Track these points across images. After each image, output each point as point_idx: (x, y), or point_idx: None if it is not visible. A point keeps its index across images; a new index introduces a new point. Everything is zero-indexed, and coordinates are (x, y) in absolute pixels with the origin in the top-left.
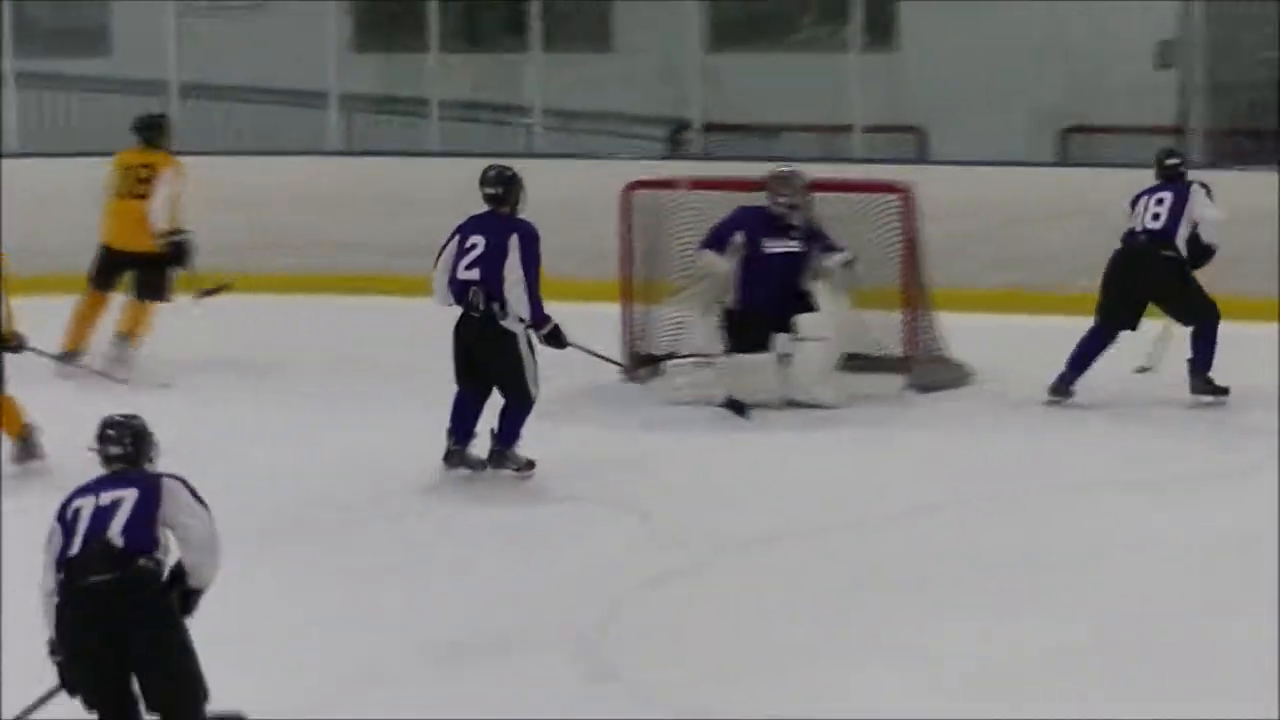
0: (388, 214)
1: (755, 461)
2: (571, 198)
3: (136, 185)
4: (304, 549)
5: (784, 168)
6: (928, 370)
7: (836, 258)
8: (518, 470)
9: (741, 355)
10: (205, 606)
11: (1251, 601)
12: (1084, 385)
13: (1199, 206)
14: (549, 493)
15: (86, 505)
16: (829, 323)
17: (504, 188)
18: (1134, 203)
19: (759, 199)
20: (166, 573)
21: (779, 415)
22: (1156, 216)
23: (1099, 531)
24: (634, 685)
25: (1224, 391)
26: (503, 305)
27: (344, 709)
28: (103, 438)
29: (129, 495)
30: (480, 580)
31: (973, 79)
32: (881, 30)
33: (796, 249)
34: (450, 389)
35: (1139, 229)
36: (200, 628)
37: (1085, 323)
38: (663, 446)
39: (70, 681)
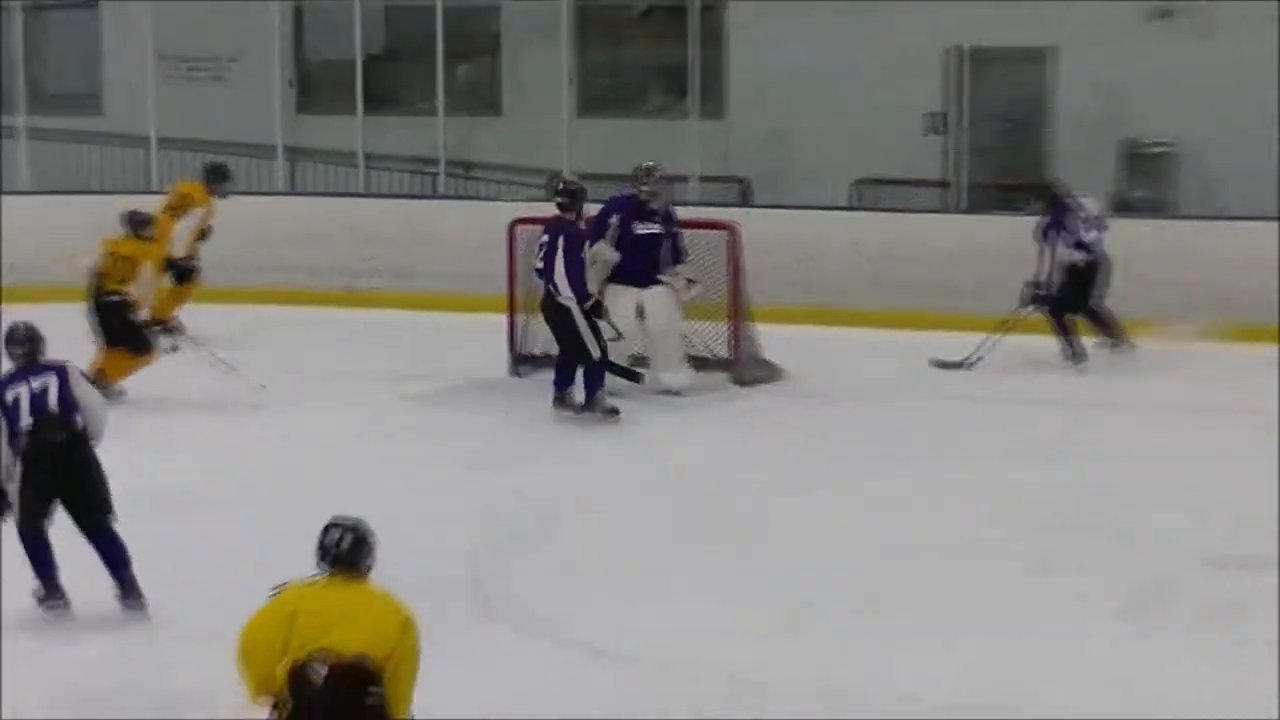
0: (326, 241)
1: (602, 433)
2: (469, 232)
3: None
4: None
5: (648, 162)
6: (748, 368)
7: (684, 276)
8: (604, 415)
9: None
10: None
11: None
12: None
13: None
14: (461, 451)
15: (23, 391)
16: (675, 319)
17: (568, 198)
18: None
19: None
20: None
21: (640, 402)
22: None
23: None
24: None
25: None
26: (558, 288)
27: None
28: (10, 340)
29: (51, 381)
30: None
31: (784, 141)
32: (713, 104)
33: (658, 230)
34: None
35: None
36: None
37: (870, 334)
38: (546, 423)
39: (27, 514)
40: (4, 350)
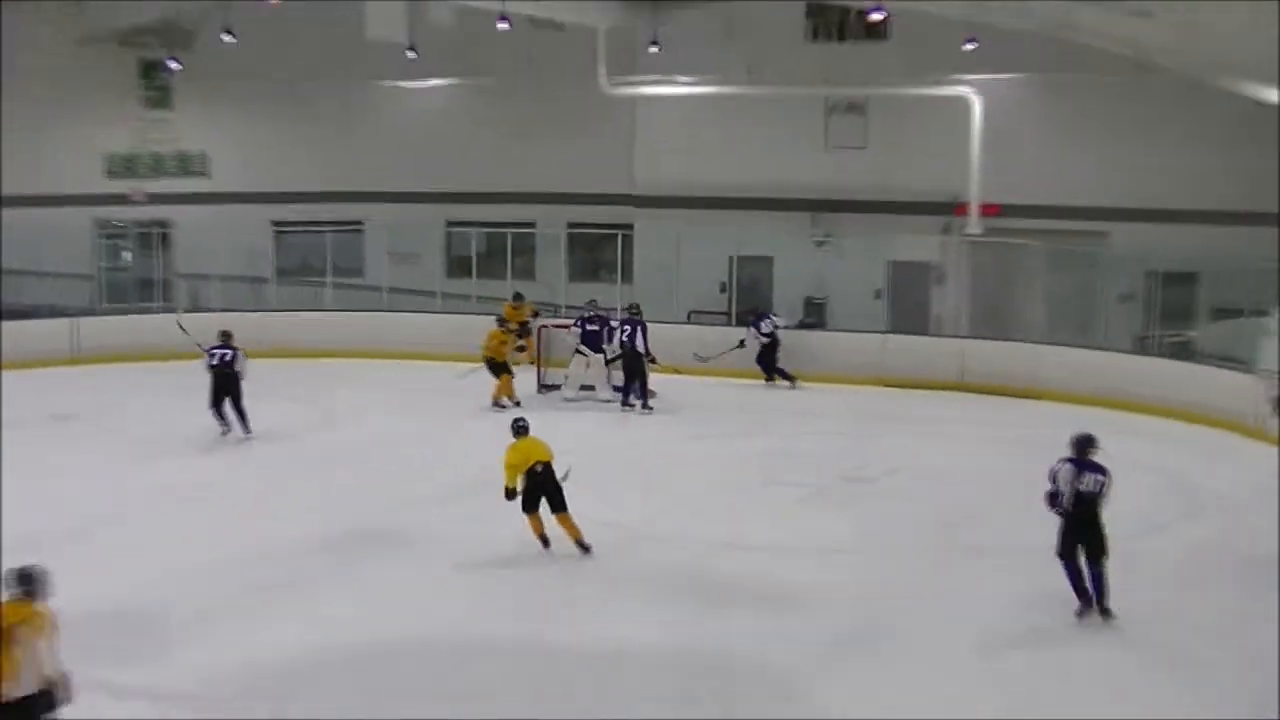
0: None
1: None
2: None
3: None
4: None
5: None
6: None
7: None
8: (650, 409)
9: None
10: None
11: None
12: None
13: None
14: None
15: None
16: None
17: (633, 313)
18: None
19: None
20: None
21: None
22: None
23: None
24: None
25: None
26: (642, 348)
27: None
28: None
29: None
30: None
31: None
32: (629, 276)
33: (597, 328)
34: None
35: None
36: None
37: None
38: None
39: None
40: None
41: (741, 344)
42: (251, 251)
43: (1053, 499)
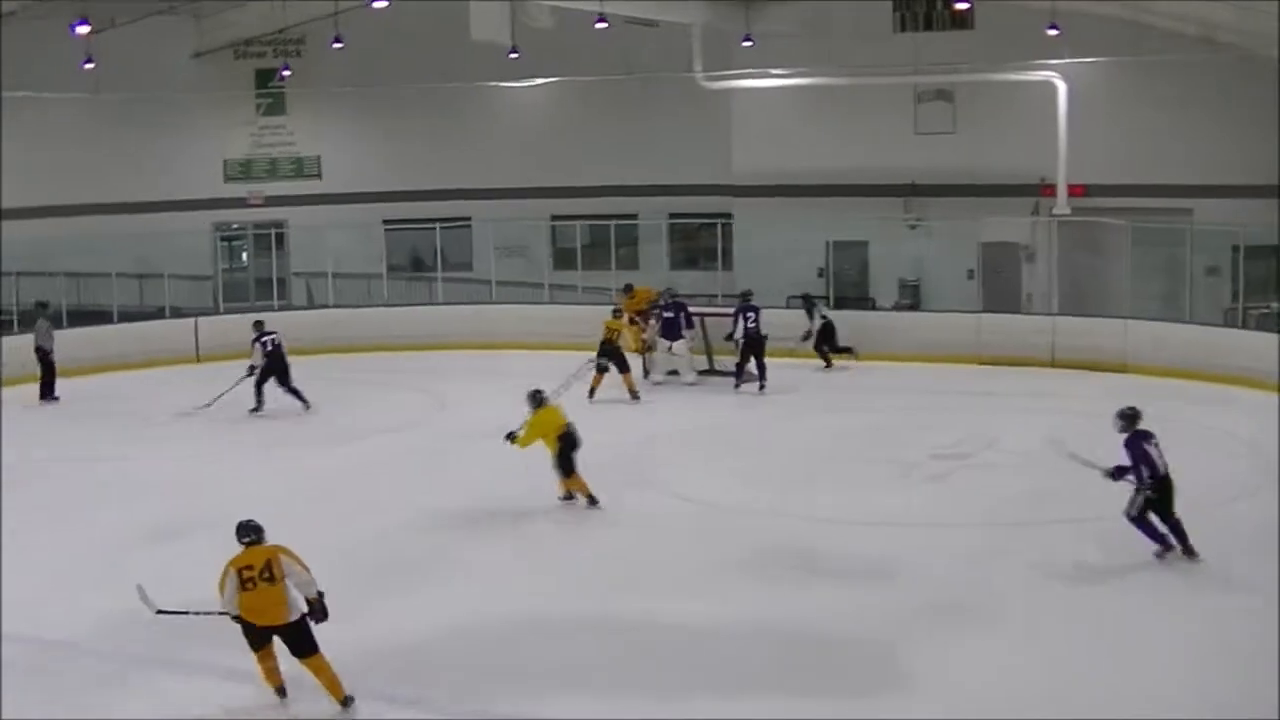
0: None
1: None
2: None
3: None
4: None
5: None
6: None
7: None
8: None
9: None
10: None
11: None
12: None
13: None
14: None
15: None
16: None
17: (746, 299)
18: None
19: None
20: None
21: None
22: None
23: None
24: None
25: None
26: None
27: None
28: None
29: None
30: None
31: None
32: (728, 265)
33: (674, 315)
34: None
35: None
36: None
37: None
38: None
39: None
40: None
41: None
42: (364, 249)
43: (1138, 474)
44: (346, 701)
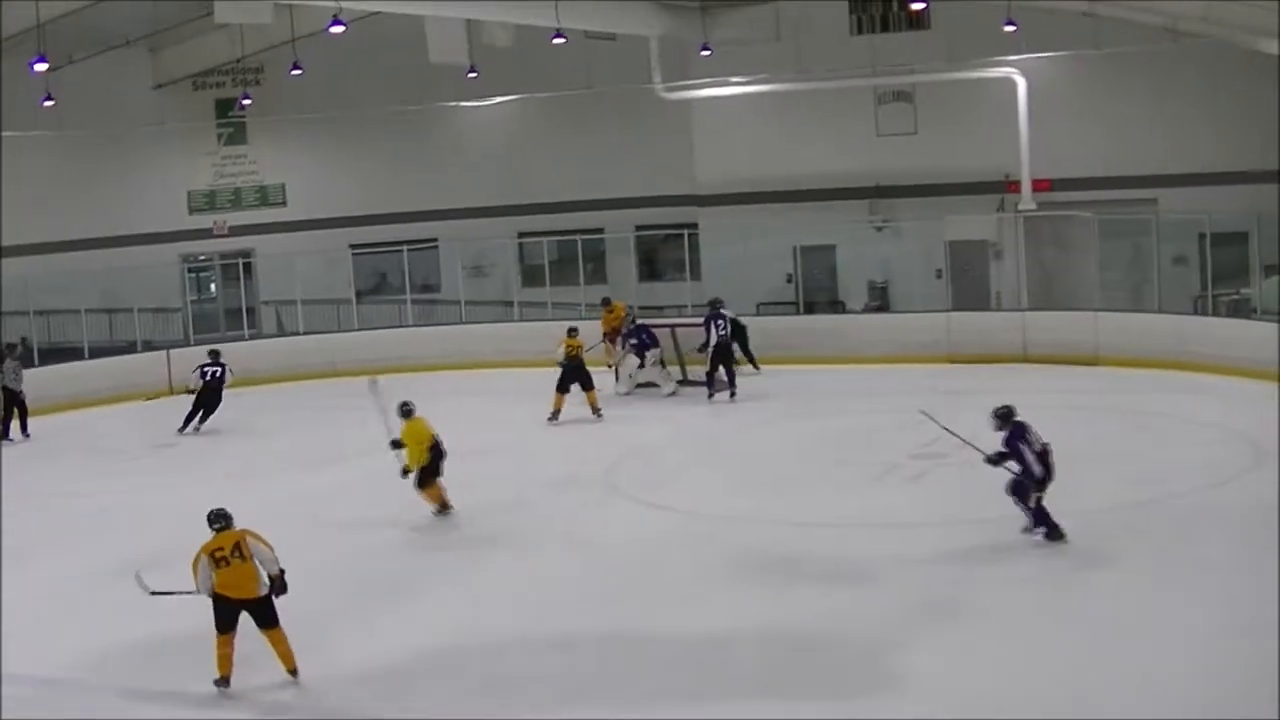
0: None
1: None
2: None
3: None
4: None
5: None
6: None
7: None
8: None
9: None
10: None
11: None
12: None
13: None
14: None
15: None
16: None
17: (715, 308)
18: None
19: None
20: None
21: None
22: None
23: None
24: None
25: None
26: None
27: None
28: None
29: None
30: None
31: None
32: (696, 274)
33: (635, 341)
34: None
35: None
36: None
37: None
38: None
39: None
40: None
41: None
42: (331, 274)
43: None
44: (294, 672)
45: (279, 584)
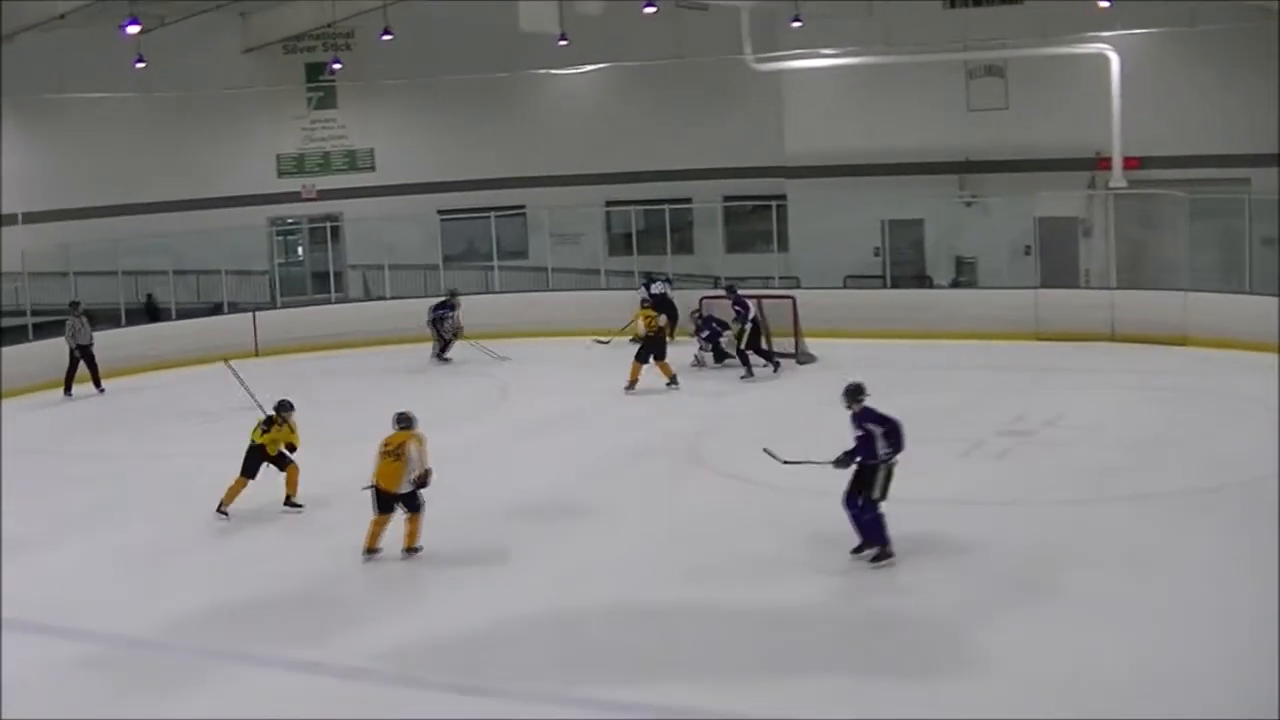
0: None
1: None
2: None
3: None
4: None
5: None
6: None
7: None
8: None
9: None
10: None
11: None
12: None
13: None
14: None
15: None
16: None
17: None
18: None
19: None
20: None
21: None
22: None
23: None
24: None
25: None
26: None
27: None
28: None
29: None
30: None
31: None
32: (784, 246)
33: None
34: None
35: None
36: None
37: None
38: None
39: None
40: None
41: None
42: (419, 240)
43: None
44: (414, 550)
45: (421, 481)
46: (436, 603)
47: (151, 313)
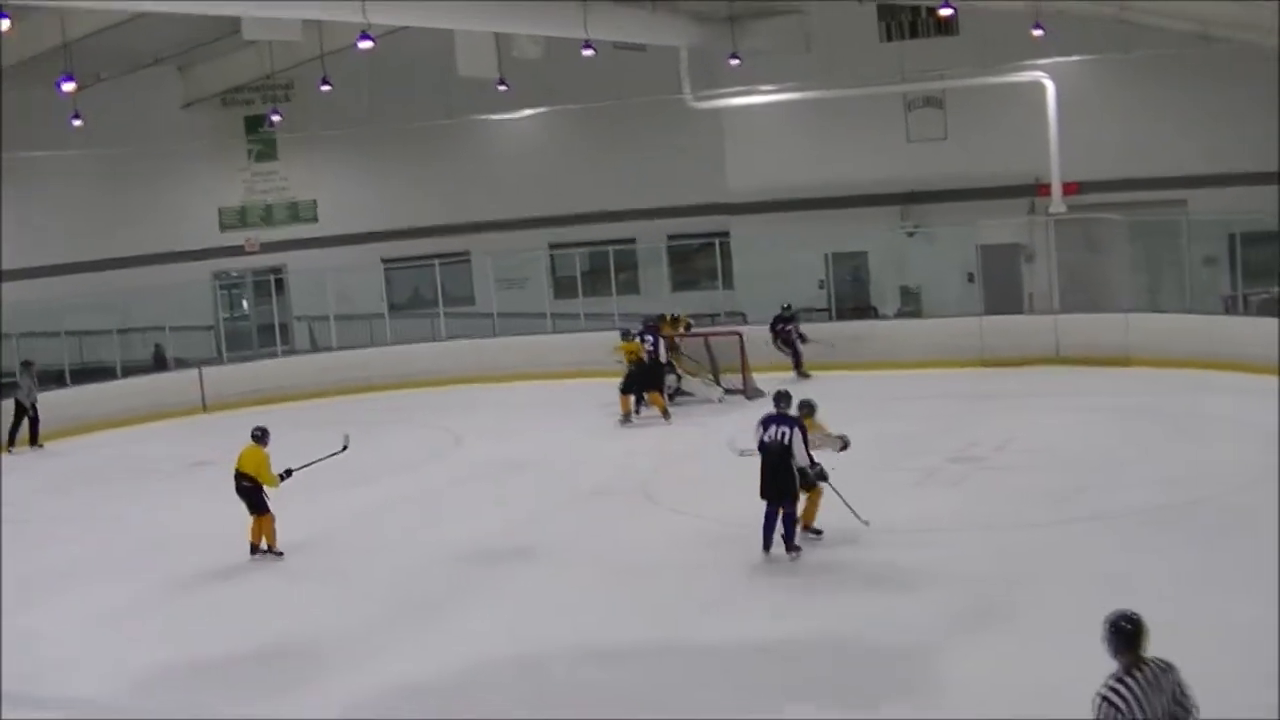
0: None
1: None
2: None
3: None
4: None
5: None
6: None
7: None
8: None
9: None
10: None
11: None
12: None
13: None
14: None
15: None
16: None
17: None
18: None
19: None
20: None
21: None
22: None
23: None
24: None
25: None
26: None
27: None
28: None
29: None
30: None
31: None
32: (728, 283)
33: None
34: None
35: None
36: None
37: None
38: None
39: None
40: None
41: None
42: (364, 289)
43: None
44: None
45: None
46: (401, 650)
47: (160, 363)
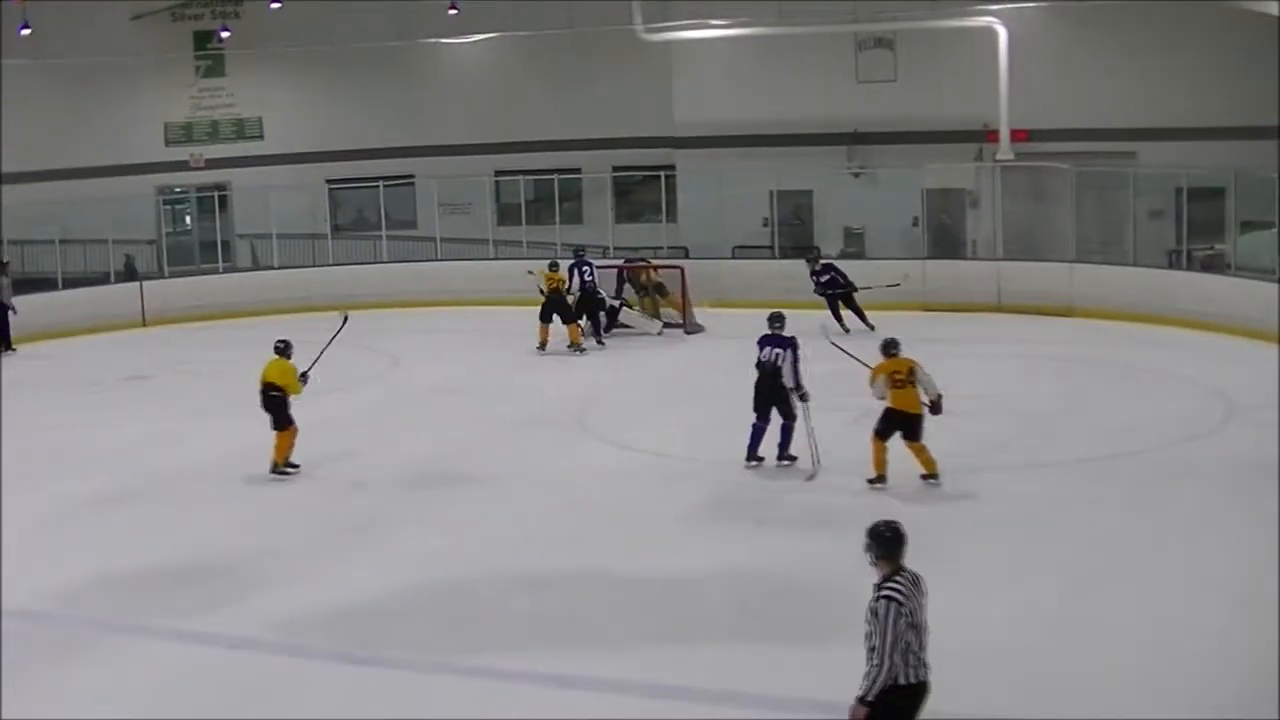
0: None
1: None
2: None
3: None
4: None
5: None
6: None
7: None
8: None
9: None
10: None
11: None
12: None
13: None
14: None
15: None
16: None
17: (579, 254)
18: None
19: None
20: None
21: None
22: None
23: None
24: None
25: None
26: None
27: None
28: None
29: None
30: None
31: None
32: (673, 215)
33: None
34: None
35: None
36: None
37: None
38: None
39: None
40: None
41: None
42: (310, 210)
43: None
44: (931, 476)
45: (936, 405)
46: (327, 572)
47: (130, 274)
